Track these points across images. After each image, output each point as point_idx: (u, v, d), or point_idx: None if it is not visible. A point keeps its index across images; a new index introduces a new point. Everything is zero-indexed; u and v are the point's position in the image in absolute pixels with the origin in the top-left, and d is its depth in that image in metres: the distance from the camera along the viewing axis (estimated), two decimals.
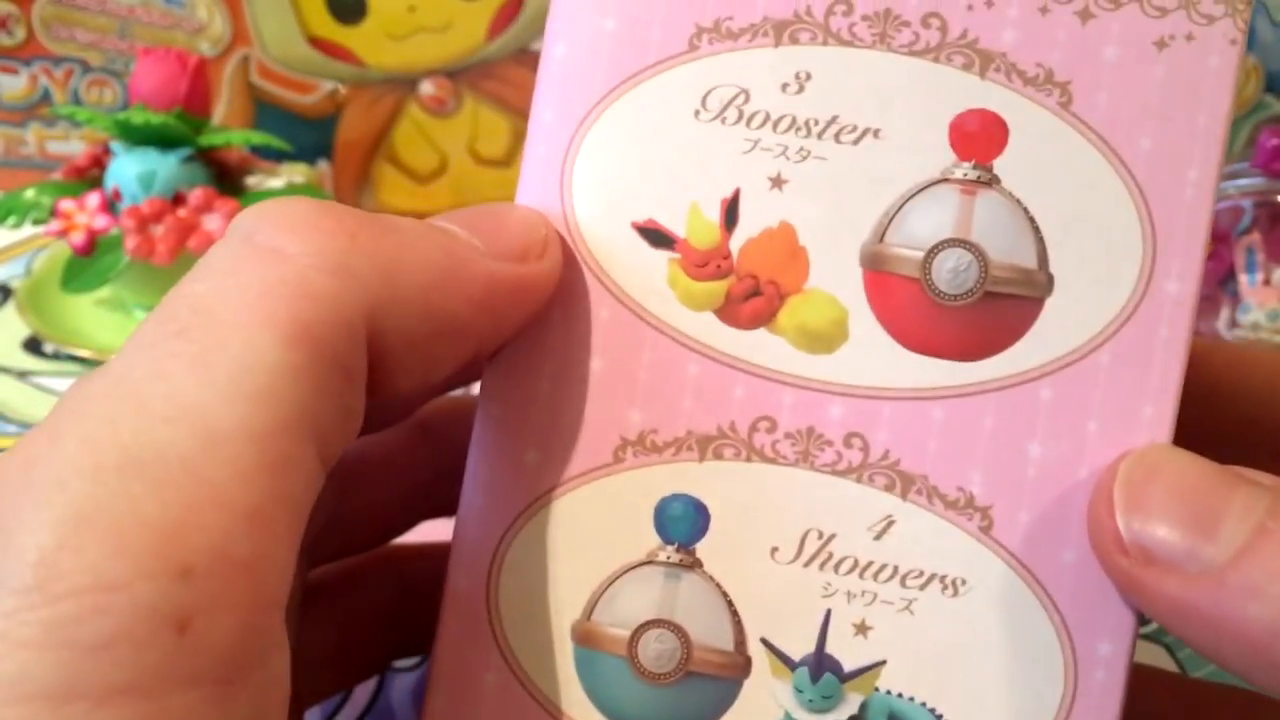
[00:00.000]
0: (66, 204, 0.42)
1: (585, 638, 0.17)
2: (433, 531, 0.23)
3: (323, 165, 0.54)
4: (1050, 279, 0.17)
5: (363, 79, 0.52)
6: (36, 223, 0.42)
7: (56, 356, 0.43)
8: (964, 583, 0.17)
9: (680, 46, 0.17)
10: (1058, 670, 0.17)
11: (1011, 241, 0.17)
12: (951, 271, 0.17)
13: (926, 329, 0.17)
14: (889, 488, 0.17)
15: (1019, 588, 0.17)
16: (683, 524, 0.17)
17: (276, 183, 0.45)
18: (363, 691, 0.28)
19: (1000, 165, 0.17)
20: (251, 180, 0.45)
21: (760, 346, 0.17)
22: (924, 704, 0.17)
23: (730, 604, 0.17)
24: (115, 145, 0.43)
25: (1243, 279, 0.42)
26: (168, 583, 0.13)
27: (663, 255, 0.17)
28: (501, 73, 0.52)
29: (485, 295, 0.16)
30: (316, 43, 0.52)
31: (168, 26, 0.51)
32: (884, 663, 0.17)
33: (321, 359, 0.14)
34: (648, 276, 0.17)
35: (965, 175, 0.17)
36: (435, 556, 0.19)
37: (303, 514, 0.14)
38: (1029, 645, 0.17)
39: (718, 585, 0.17)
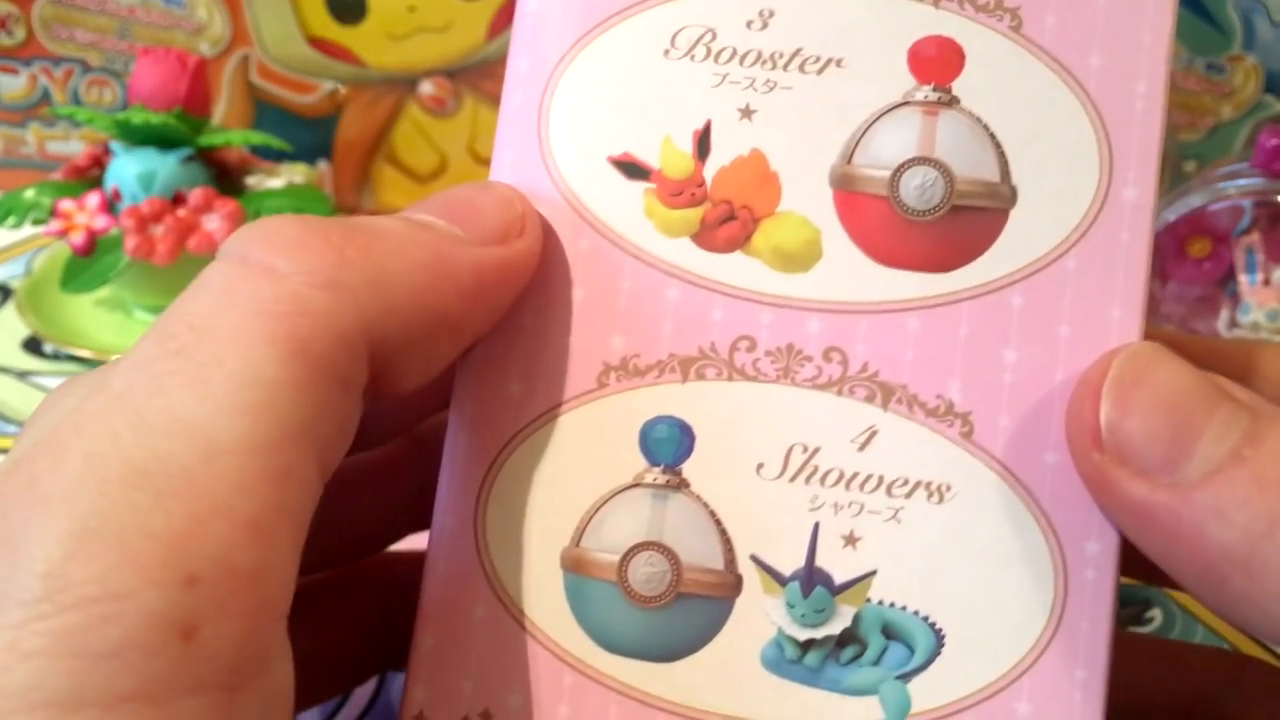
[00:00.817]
0: (66, 204, 0.42)
1: (575, 564, 0.17)
2: (420, 543, 0.23)
3: (322, 165, 0.54)
4: (1014, 191, 0.17)
5: (363, 79, 0.52)
6: (36, 223, 0.42)
7: (56, 356, 0.43)
8: (949, 489, 0.17)
9: None
10: (1048, 571, 0.17)
11: (974, 157, 0.17)
12: (918, 188, 0.17)
13: (897, 244, 0.18)
14: (869, 399, 0.17)
15: (1003, 491, 0.17)
16: (668, 445, 0.17)
17: (276, 183, 0.45)
18: (363, 692, 0.28)
19: (959, 87, 0.18)
20: (251, 180, 0.45)
21: (737, 269, 0.18)
22: (916, 612, 0.17)
23: (719, 523, 0.17)
24: (115, 145, 0.43)
25: (1243, 279, 0.42)
26: (174, 591, 0.13)
27: (639, 187, 0.18)
28: (501, 73, 0.52)
29: (474, 284, 0.16)
30: (316, 43, 0.52)
31: (167, 26, 0.51)
32: (875, 573, 0.17)
33: (319, 372, 0.14)
34: (625, 208, 0.18)
35: (926, 97, 0.18)
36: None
37: (303, 524, 0.14)
38: (1017, 548, 0.17)
39: (705, 505, 0.17)
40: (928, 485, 0.17)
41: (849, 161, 0.18)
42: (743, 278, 0.18)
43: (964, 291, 0.17)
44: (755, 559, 0.17)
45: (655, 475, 0.17)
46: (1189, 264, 0.43)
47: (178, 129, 0.42)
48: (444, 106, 0.53)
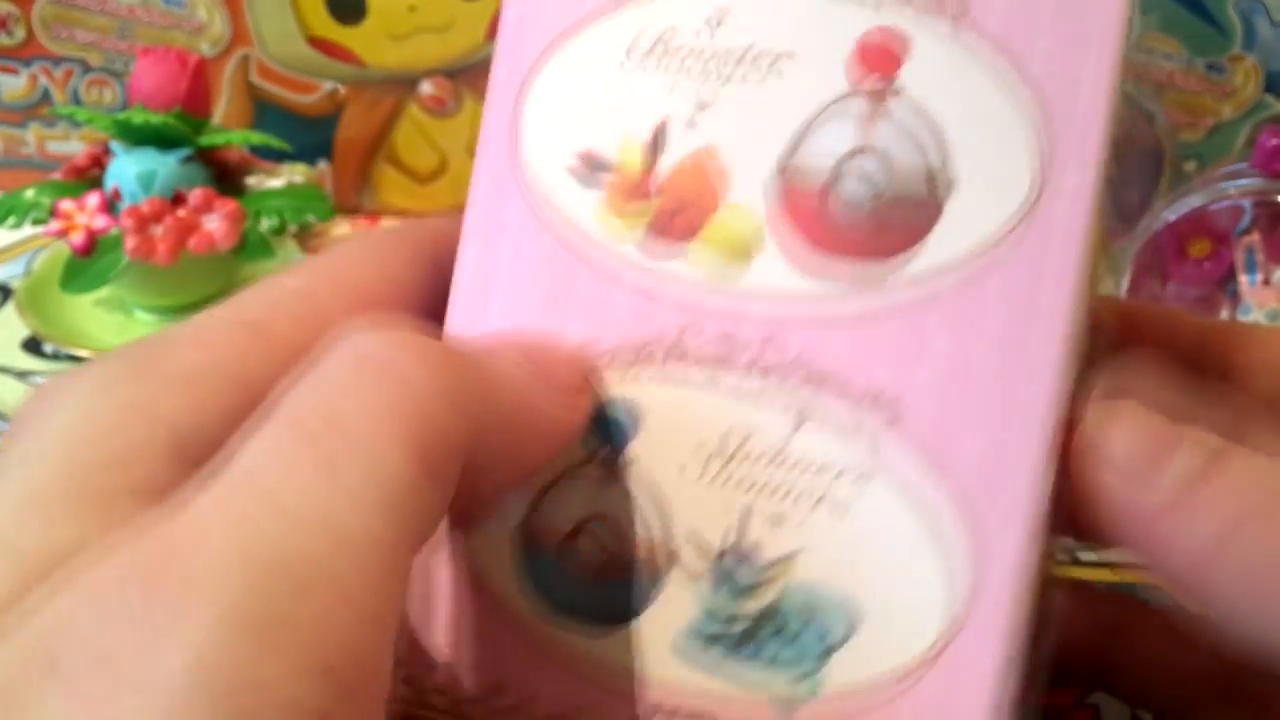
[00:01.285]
0: (66, 204, 0.42)
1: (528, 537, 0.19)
2: None
3: (322, 165, 0.54)
4: (951, 182, 0.18)
5: (363, 79, 0.52)
6: (36, 223, 0.42)
7: (56, 356, 0.43)
8: (874, 475, 0.18)
9: (610, 3, 0.19)
10: (965, 555, 0.17)
11: (914, 149, 0.18)
12: (857, 179, 0.18)
13: (836, 234, 0.18)
14: (803, 384, 0.18)
15: (926, 477, 0.18)
16: (615, 428, 0.19)
17: (276, 183, 0.45)
18: None
19: (903, 77, 0.18)
20: (251, 180, 0.45)
21: (685, 260, 0.19)
22: (839, 590, 0.18)
23: (656, 501, 0.18)
24: (115, 145, 0.43)
25: (1243, 279, 0.42)
26: (313, 681, 0.13)
27: (599, 180, 0.19)
28: None
29: (548, 426, 0.18)
30: (316, 43, 0.52)
31: (167, 26, 0.51)
32: (800, 552, 0.18)
33: (435, 479, 0.15)
34: (584, 204, 0.19)
35: (870, 88, 0.18)
36: None
37: (400, 616, 0.15)
38: (938, 531, 0.18)
39: (645, 484, 0.18)
40: (855, 470, 0.18)
41: (793, 154, 0.18)
42: (690, 269, 0.19)
43: (900, 279, 0.18)
44: (687, 536, 0.18)
45: (603, 454, 0.19)
46: (1189, 264, 0.43)
47: (178, 129, 0.42)
48: (444, 106, 0.53)
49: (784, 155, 0.18)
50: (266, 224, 0.43)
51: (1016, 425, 0.17)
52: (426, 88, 0.53)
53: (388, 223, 0.54)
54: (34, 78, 0.52)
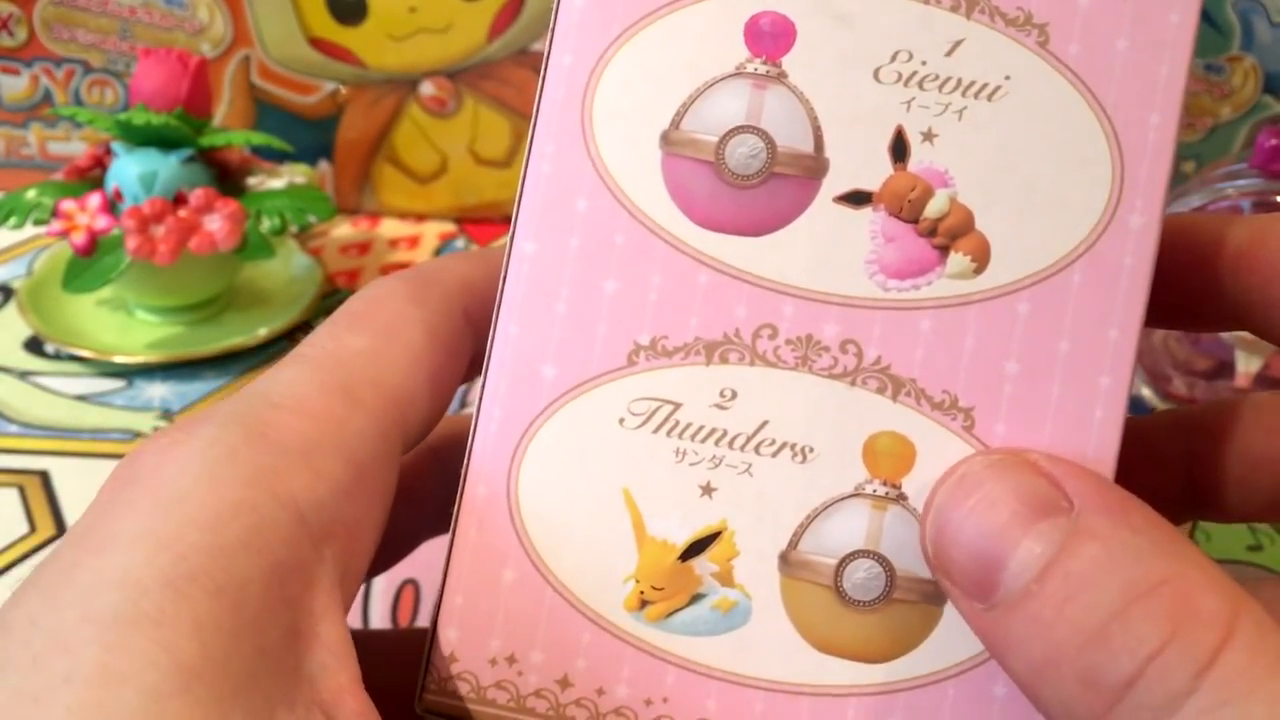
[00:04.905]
0: (68, 204, 0.42)
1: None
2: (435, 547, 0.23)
3: (323, 165, 0.54)
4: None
5: (363, 79, 0.53)
6: (38, 223, 0.42)
7: (57, 356, 0.43)
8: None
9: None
10: None
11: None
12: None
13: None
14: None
15: None
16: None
17: (277, 183, 0.45)
18: None
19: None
20: (252, 180, 0.45)
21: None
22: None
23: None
24: (116, 146, 0.43)
25: None
26: None
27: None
28: (501, 73, 0.53)
29: None
30: (317, 43, 0.52)
31: (169, 27, 0.51)
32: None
33: None
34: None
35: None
36: None
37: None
38: None
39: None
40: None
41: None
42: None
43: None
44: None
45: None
46: None
47: (179, 129, 0.42)
48: (445, 107, 0.53)
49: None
50: (267, 224, 0.43)
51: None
52: (427, 88, 0.53)
53: (386, 227, 0.54)
54: (35, 78, 0.53)
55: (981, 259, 0.18)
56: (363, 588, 0.33)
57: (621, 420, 0.18)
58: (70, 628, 0.14)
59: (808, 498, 0.18)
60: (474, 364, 0.20)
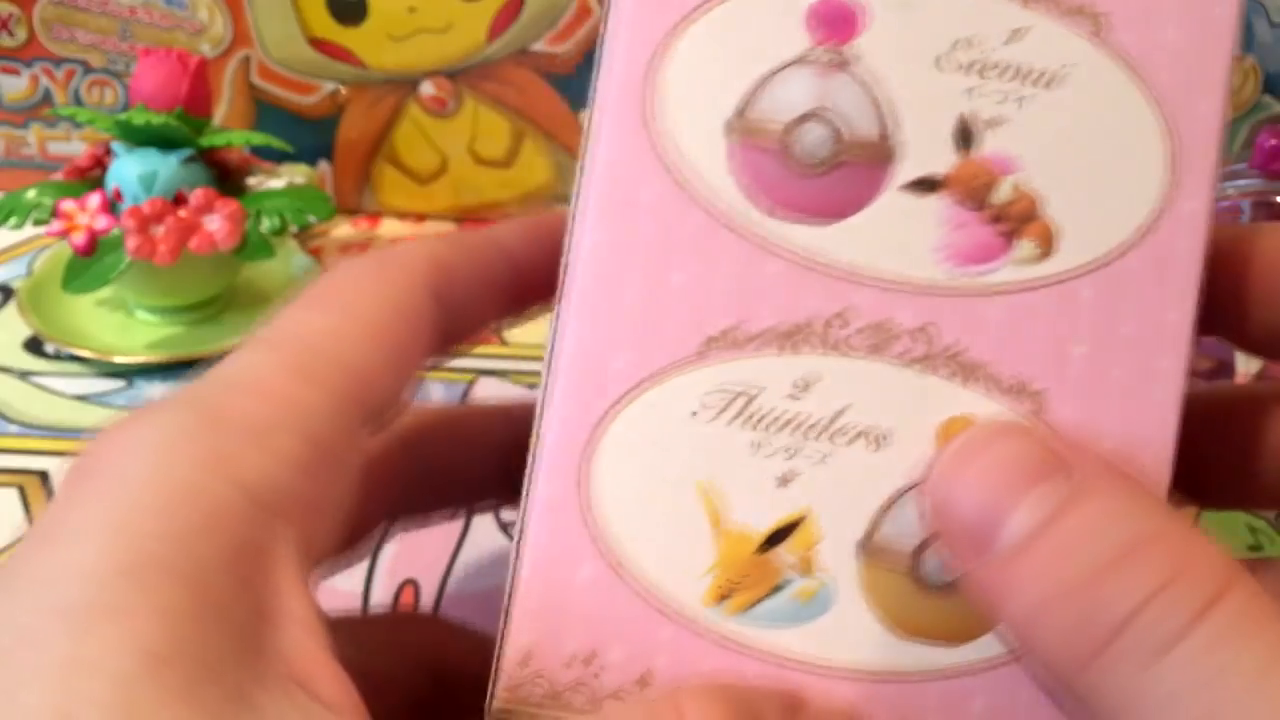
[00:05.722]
0: (68, 204, 0.42)
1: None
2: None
3: (323, 166, 0.54)
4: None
5: (363, 80, 0.53)
6: (38, 223, 0.42)
7: (57, 356, 0.43)
8: None
9: None
10: None
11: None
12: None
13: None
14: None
15: None
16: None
17: (277, 183, 0.45)
18: None
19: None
20: (252, 180, 0.45)
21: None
22: None
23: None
24: (116, 146, 0.43)
25: None
26: None
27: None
28: (501, 73, 0.52)
29: None
30: (317, 44, 0.52)
31: (169, 27, 0.51)
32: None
33: None
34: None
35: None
36: None
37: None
38: None
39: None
40: None
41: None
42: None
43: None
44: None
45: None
46: None
47: (179, 129, 0.42)
48: (445, 107, 0.53)
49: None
50: (267, 224, 0.43)
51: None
52: (427, 88, 0.53)
53: (386, 227, 0.54)
54: (35, 78, 0.53)
55: (1046, 245, 0.18)
56: (362, 588, 0.33)
57: (694, 413, 0.18)
58: (36, 622, 0.14)
59: (884, 484, 0.18)
60: (446, 342, 0.20)
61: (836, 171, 0.18)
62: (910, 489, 0.18)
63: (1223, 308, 0.19)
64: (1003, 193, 0.18)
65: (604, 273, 0.18)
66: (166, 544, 0.15)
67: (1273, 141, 0.41)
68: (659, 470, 0.18)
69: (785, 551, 0.18)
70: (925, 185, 0.18)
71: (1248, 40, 0.46)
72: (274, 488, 0.16)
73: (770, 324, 0.18)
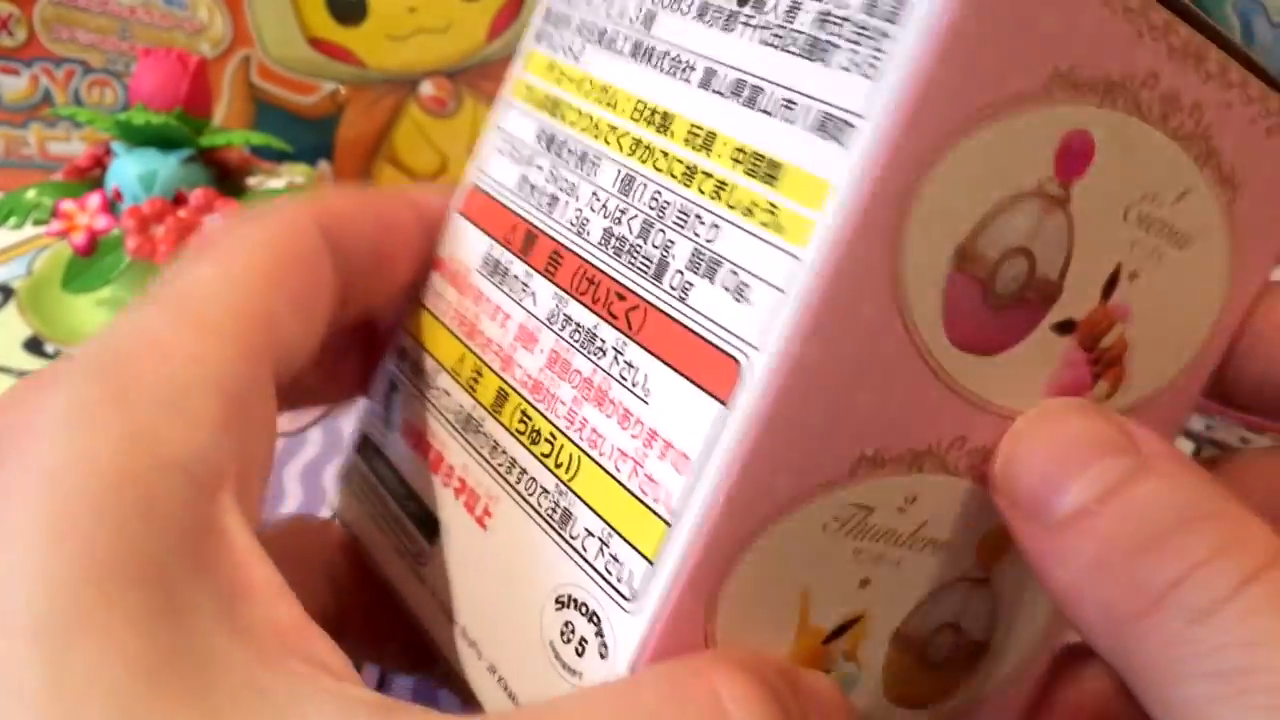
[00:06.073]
0: (67, 204, 0.42)
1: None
2: None
3: (323, 166, 0.54)
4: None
5: (363, 80, 0.53)
6: (37, 223, 0.42)
7: (58, 356, 0.43)
8: None
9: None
10: None
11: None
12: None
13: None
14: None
15: None
16: None
17: (277, 183, 0.45)
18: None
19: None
20: (252, 181, 0.45)
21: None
22: None
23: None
24: (116, 146, 0.43)
25: None
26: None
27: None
28: (501, 74, 0.52)
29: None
30: (317, 44, 0.52)
31: (168, 27, 0.51)
32: None
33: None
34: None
35: None
36: None
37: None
38: None
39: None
40: None
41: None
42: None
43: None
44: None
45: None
46: None
47: (179, 129, 0.42)
48: (444, 107, 0.53)
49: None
50: None
51: None
52: (427, 88, 0.53)
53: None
54: (35, 78, 0.53)
55: (1115, 390, 0.18)
56: None
57: (824, 526, 0.17)
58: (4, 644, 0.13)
59: (928, 584, 0.18)
60: (358, 295, 0.19)
61: (1017, 306, 0.17)
62: (943, 587, 0.18)
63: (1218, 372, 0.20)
64: (1110, 338, 0.18)
65: (800, 388, 0.16)
66: (115, 543, 0.14)
67: None
68: (776, 577, 0.17)
69: (842, 642, 0.18)
70: (1066, 327, 0.17)
71: (1247, 40, 0.46)
72: (202, 457, 0.15)
73: (909, 445, 0.17)
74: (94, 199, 0.42)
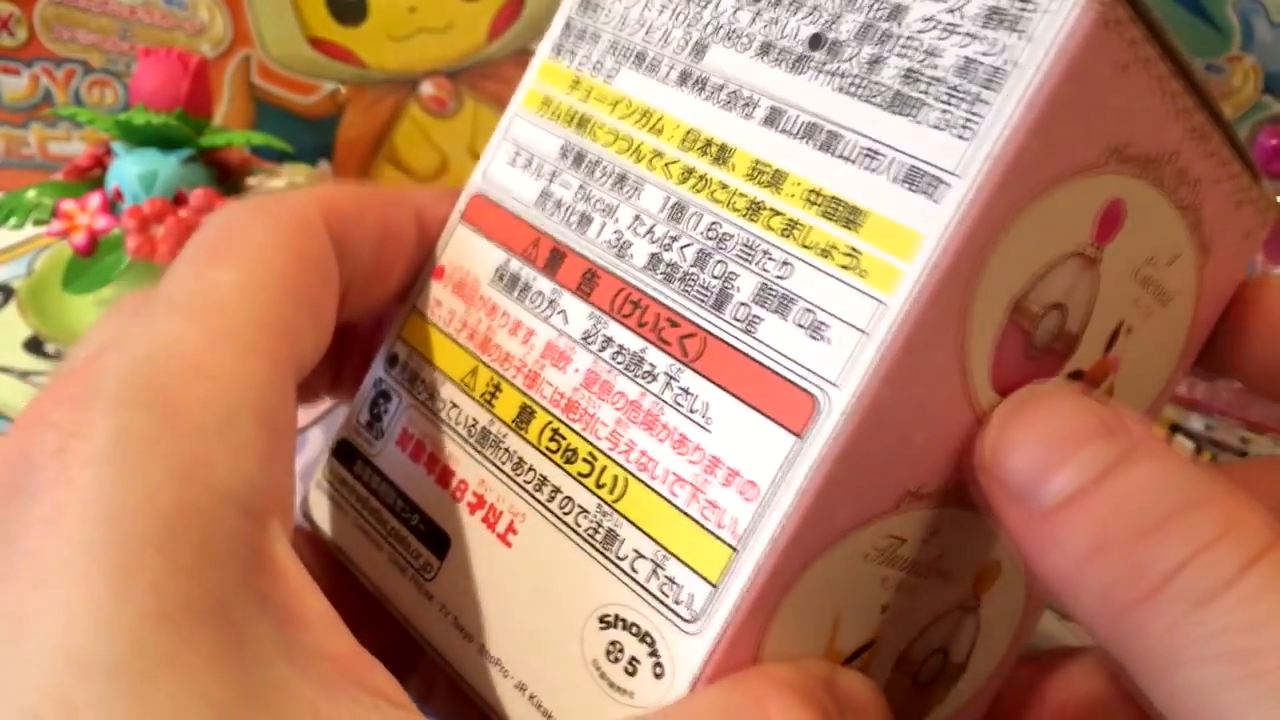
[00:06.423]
0: (68, 204, 0.42)
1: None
2: None
3: (323, 166, 0.54)
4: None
5: (363, 80, 0.53)
6: (38, 223, 0.42)
7: (58, 357, 0.43)
8: None
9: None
10: None
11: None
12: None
13: None
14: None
15: None
16: None
17: (278, 183, 0.45)
18: None
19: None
20: (253, 181, 0.45)
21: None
22: None
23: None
24: (116, 146, 0.43)
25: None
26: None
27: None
28: (501, 73, 0.53)
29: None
30: (317, 43, 0.52)
31: (169, 27, 0.51)
32: None
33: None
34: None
35: None
36: None
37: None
38: None
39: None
40: None
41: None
42: None
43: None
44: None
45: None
46: None
47: (179, 129, 0.42)
48: (445, 107, 0.53)
49: None
50: None
51: None
52: (427, 88, 0.53)
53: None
54: (35, 78, 0.53)
55: None
56: None
57: (866, 555, 0.17)
58: (70, 693, 0.12)
59: (930, 611, 0.19)
60: (352, 298, 0.19)
61: (1046, 355, 0.18)
62: (944, 614, 0.19)
63: (1228, 348, 0.20)
64: (1104, 387, 0.19)
65: (873, 426, 0.16)
66: (181, 582, 0.13)
67: (1273, 141, 0.41)
68: (818, 601, 0.17)
69: (856, 664, 0.18)
70: (1076, 376, 0.18)
71: (1248, 40, 0.46)
72: (250, 486, 0.15)
73: (942, 481, 0.17)
74: (94, 199, 0.42)
